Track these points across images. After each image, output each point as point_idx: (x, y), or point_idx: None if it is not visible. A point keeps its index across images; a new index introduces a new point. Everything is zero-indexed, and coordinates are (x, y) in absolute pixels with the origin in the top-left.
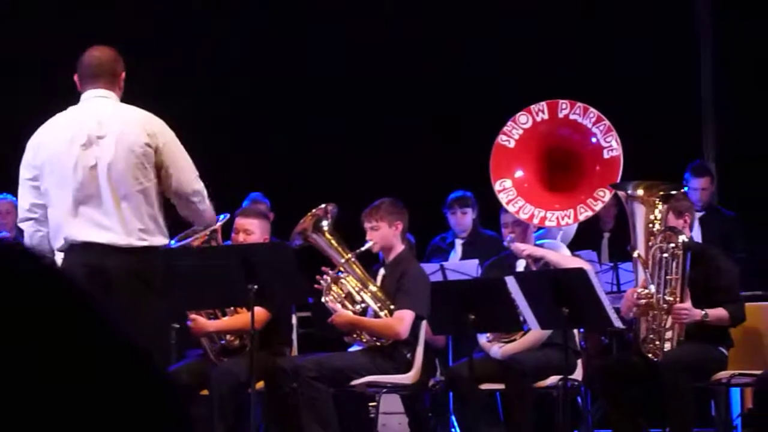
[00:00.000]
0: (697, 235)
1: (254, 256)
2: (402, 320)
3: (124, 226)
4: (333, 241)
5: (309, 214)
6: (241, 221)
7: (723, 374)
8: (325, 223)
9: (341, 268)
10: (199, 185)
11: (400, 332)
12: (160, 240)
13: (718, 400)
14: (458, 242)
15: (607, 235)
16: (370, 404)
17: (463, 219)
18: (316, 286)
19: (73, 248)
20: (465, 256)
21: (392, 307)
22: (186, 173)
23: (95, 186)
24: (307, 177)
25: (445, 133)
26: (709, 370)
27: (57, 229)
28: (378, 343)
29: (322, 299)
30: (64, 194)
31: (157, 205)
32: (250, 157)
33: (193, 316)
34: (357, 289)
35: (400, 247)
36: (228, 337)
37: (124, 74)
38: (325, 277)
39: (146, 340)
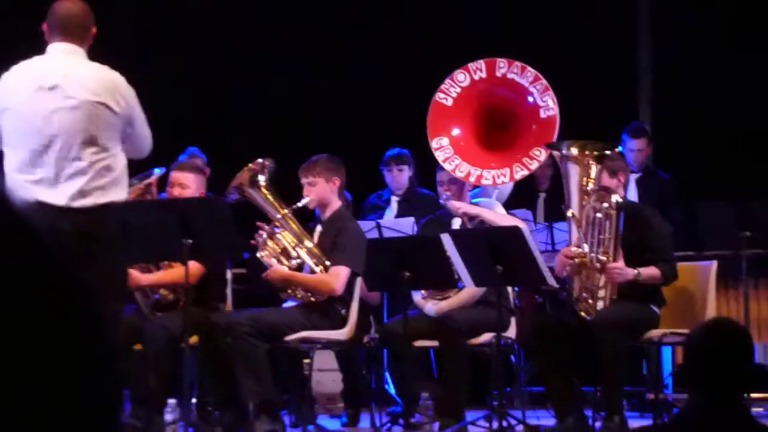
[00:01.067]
0: (633, 197)
1: (189, 210)
2: (337, 276)
3: (78, 182)
4: (269, 197)
5: (245, 168)
6: (176, 175)
7: (655, 333)
8: (261, 178)
9: (277, 224)
10: (150, 148)
11: (335, 288)
12: (117, 194)
13: (649, 359)
14: (394, 199)
15: (542, 195)
16: (305, 361)
17: (400, 176)
18: (251, 241)
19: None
20: (400, 213)
21: (328, 263)
22: (143, 138)
23: (52, 138)
24: (244, 133)
25: (383, 90)
26: (641, 329)
27: (9, 179)
28: (312, 299)
29: (258, 254)
30: (21, 142)
31: (119, 160)
32: (189, 112)
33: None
34: (293, 244)
35: (336, 204)
36: (162, 291)
37: (94, 29)
38: (260, 232)
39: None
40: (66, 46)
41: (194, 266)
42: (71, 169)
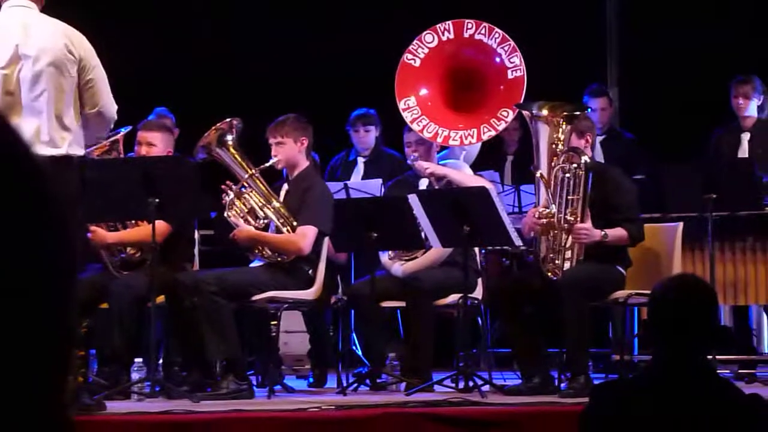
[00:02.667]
0: (598, 158)
1: (156, 169)
2: (305, 236)
3: (42, 135)
4: (237, 156)
5: (213, 127)
6: (143, 134)
7: (620, 293)
8: (229, 138)
9: (245, 183)
10: (115, 108)
11: (302, 248)
12: (76, 149)
13: (614, 320)
14: (360, 160)
15: (510, 158)
16: (272, 323)
17: (366, 137)
18: (219, 201)
19: None
20: (367, 174)
21: (295, 223)
22: (107, 95)
23: (16, 94)
24: (213, 93)
25: (351, 50)
26: (606, 290)
27: None
28: (279, 259)
29: (225, 214)
30: None
31: (74, 114)
32: (157, 71)
33: (92, 228)
34: (260, 204)
35: (304, 164)
36: (129, 250)
37: None
38: (228, 192)
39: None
40: (20, 0)
41: (161, 225)
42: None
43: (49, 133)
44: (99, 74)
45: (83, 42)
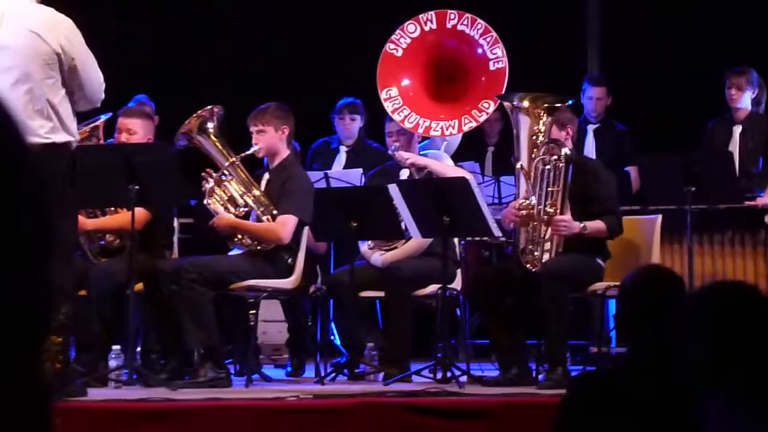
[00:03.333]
0: (591, 148)
1: (135, 156)
2: (285, 225)
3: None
4: (218, 144)
5: (194, 115)
6: (123, 121)
7: (599, 285)
8: (210, 125)
9: (225, 171)
10: (102, 93)
11: (282, 237)
12: (63, 137)
13: (593, 312)
14: (342, 149)
15: (491, 149)
16: (251, 312)
17: (351, 126)
18: (199, 189)
19: None
20: (348, 163)
21: (275, 212)
22: (95, 83)
23: None
24: (194, 80)
25: (332, 40)
26: (585, 282)
27: None
28: (259, 248)
29: (205, 202)
30: None
31: (60, 101)
32: (137, 58)
33: None
34: (240, 192)
35: (285, 153)
36: (108, 237)
37: None
38: (208, 179)
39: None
40: None
41: (140, 212)
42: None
43: (31, 120)
44: (82, 61)
45: (64, 30)
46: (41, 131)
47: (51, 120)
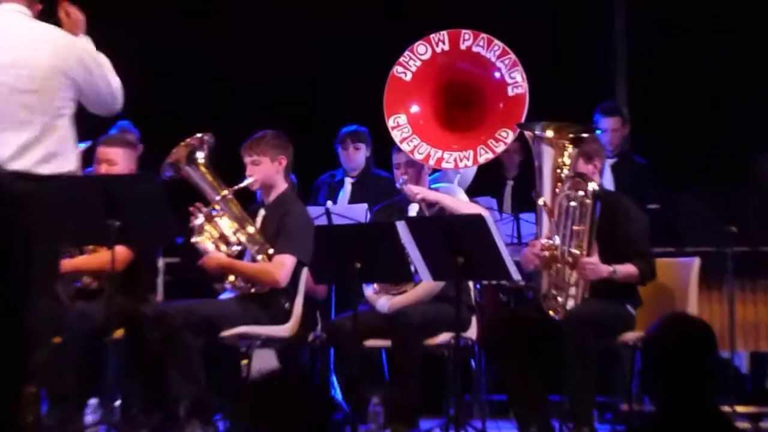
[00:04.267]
0: (609, 183)
1: (117, 188)
2: (282, 266)
3: (29, 150)
4: (208, 175)
5: (182, 143)
6: (103, 150)
7: (630, 336)
8: (200, 155)
9: (216, 206)
10: (119, 100)
11: (278, 279)
12: (68, 166)
13: (623, 365)
14: (348, 181)
15: (510, 183)
16: (243, 362)
17: (356, 155)
18: (188, 225)
19: None
20: (354, 196)
21: (271, 251)
22: (102, 96)
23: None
24: (183, 106)
25: (336, 63)
26: (615, 331)
27: None
28: (252, 291)
29: (193, 239)
30: None
31: (63, 127)
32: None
33: None
34: (233, 229)
35: (282, 186)
36: (84, 279)
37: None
38: (197, 214)
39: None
40: (14, 6)
41: (121, 251)
42: None
43: (32, 150)
44: (91, 81)
45: (70, 51)
46: (48, 160)
47: (60, 147)
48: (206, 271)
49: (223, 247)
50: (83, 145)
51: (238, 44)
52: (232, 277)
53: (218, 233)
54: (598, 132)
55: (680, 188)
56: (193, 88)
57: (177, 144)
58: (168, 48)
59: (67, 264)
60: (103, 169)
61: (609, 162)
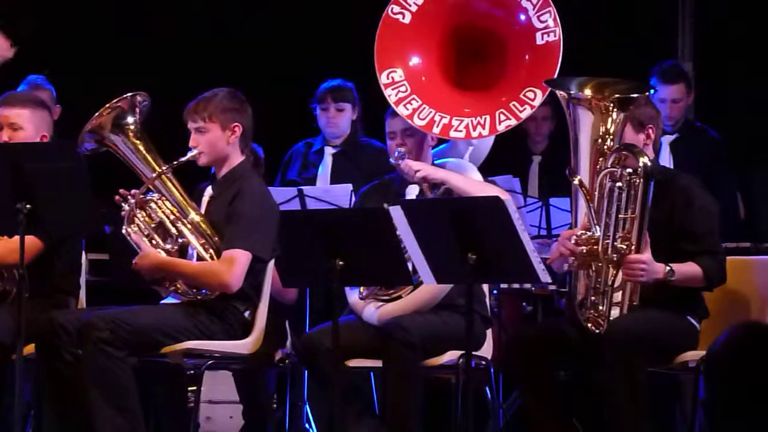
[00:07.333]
0: (665, 164)
1: (25, 161)
2: (231, 264)
3: None
4: (141, 147)
5: (107, 105)
6: (5, 112)
7: (691, 355)
8: (130, 121)
9: (151, 187)
10: None
11: (227, 281)
12: None
13: (683, 391)
14: (329, 151)
15: (537, 159)
16: (190, 389)
17: (338, 118)
18: (119, 212)
19: None
20: (337, 171)
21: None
22: None
23: None
24: (116, 58)
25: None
26: (673, 349)
27: None
28: (199, 297)
29: (123, 230)
30: None
31: None
32: (36, 26)
33: None
34: (172, 217)
35: (237, 158)
36: None
37: None
38: (128, 198)
39: None
40: None
41: (30, 242)
42: None
43: None
44: None
45: None
46: None
47: None
48: (140, 273)
49: (160, 241)
50: None
51: None
52: (172, 280)
53: (154, 223)
54: (651, 91)
55: (756, 169)
56: (128, 31)
57: (102, 106)
58: None
59: None
60: (5, 136)
61: (667, 139)
